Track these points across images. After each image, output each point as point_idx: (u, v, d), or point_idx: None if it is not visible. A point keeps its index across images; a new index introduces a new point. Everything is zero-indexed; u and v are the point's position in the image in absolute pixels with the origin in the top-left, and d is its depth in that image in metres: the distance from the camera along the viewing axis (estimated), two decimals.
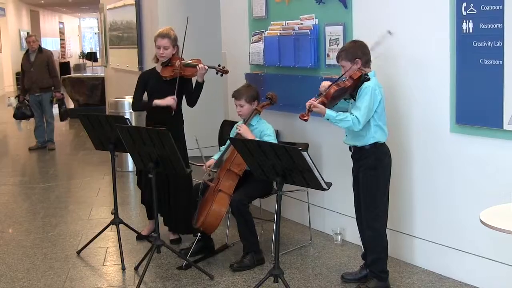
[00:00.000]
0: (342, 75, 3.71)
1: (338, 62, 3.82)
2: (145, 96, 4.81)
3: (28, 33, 22.92)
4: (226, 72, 4.73)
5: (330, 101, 3.65)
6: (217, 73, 4.73)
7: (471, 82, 3.66)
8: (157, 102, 4.60)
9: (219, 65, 4.72)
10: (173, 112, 4.59)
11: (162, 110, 4.62)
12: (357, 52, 3.71)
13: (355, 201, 3.94)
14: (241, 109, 4.47)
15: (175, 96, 4.55)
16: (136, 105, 4.82)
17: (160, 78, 4.64)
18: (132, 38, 9.24)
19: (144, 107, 4.82)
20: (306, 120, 3.63)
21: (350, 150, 3.85)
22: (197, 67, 4.56)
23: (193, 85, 4.75)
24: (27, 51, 9.10)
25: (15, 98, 9.42)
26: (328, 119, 3.63)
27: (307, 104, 3.61)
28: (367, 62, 3.74)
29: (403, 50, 4.10)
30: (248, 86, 4.62)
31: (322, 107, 3.59)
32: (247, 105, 4.45)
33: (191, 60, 4.70)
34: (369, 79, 3.64)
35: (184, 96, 4.76)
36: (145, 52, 8.88)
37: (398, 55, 4.13)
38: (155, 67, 4.80)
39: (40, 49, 9.04)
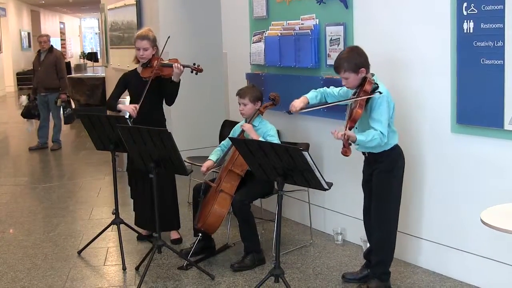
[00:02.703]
0: (357, 95, 3.53)
1: (338, 72, 3.64)
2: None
3: (29, 33, 23.02)
4: (201, 70, 4.75)
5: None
6: (192, 72, 4.74)
7: (471, 82, 3.65)
8: (120, 106, 4.75)
9: (194, 64, 4.74)
10: (131, 120, 4.53)
11: (141, 111, 4.63)
12: (360, 60, 3.58)
13: (365, 202, 3.90)
14: (244, 108, 4.47)
15: (137, 106, 4.60)
16: (110, 103, 4.89)
17: (141, 79, 4.71)
18: (132, 38, 9.19)
19: (112, 109, 4.86)
20: (348, 155, 3.47)
21: (364, 154, 3.78)
22: (173, 67, 4.60)
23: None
24: (39, 51, 9.20)
25: (26, 96, 9.51)
26: (358, 144, 3.56)
27: (340, 137, 3.41)
28: (368, 68, 3.65)
29: (403, 50, 4.10)
30: (253, 87, 4.63)
31: (353, 134, 3.46)
32: (251, 104, 4.45)
33: (169, 60, 4.76)
34: (378, 86, 3.53)
35: (163, 95, 4.79)
36: None
37: (398, 55, 4.13)
38: (136, 68, 4.87)
39: (50, 49, 9.10)
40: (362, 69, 3.59)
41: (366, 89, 3.51)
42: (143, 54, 4.70)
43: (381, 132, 3.50)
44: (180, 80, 4.69)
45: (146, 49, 4.69)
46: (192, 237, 4.67)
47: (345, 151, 3.44)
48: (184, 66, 4.65)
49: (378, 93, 3.50)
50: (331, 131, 3.47)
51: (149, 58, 4.72)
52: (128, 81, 4.82)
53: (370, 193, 3.82)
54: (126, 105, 4.75)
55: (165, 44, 4.75)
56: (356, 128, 3.59)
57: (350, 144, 3.47)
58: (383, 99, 3.53)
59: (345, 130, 3.44)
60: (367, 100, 3.53)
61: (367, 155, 3.77)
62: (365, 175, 3.86)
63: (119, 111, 4.82)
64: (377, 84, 3.55)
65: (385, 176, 3.70)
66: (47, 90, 9.02)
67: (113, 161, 4.54)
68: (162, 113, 4.83)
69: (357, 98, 3.51)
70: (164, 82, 4.72)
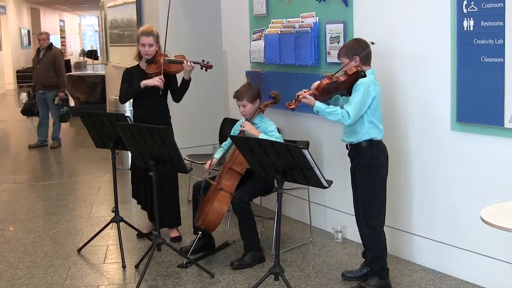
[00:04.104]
0: (339, 70, 3.74)
1: (338, 58, 3.84)
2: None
3: (28, 31, 23.00)
4: (210, 67, 4.78)
5: (321, 94, 3.68)
6: (201, 68, 4.77)
7: (471, 80, 3.65)
8: (145, 82, 4.64)
9: (203, 60, 4.77)
10: (161, 92, 4.62)
11: (147, 107, 4.67)
12: (357, 49, 3.72)
13: (354, 199, 3.95)
14: (244, 109, 4.47)
15: (162, 77, 4.61)
16: (124, 97, 4.86)
17: (145, 75, 4.71)
18: (132, 36, 9.20)
19: (133, 94, 4.79)
20: (292, 110, 3.73)
21: (347, 148, 3.85)
22: (183, 65, 4.64)
23: (177, 81, 4.81)
24: (38, 48, 9.21)
25: (26, 94, 9.52)
26: (317, 112, 3.65)
27: (297, 94, 3.66)
28: (366, 60, 3.73)
29: (403, 48, 4.09)
30: (249, 86, 4.62)
31: (312, 98, 3.63)
32: (250, 104, 4.45)
33: (175, 56, 4.78)
34: (365, 75, 3.65)
35: (169, 92, 4.81)
36: None
37: (398, 52, 4.13)
38: (138, 64, 4.86)
39: (50, 47, 9.10)
40: (356, 57, 3.70)
41: (347, 71, 3.67)
42: (148, 50, 4.69)
43: (347, 112, 3.59)
44: (190, 78, 4.71)
45: (151, 45, 4.70)
46: (191, 235, 4.67)
47: (288, 104, 3.71)
48: (194, 63, 4.67)
49: (361, 75, 3.64)
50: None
51: (153, 55, 4.72)
52: (131, 77, 4.79)
53: (356, 191, 3.88)
54: (152, 79, 4.62)
55: (165, 42, 4.73)
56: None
57: (298, 101, 3.67)
58: (362, 85, 3.62)
59: (305, 93, 3.65)
60: (350, 86, 3.66)
61: (349, 148, 3.83)
62: (351, 172, 3.91)
63: (140, 105, 4.74)
64: (365, 74, 3.66)
65: (367, 171, 3.74)
66: (46, 87, 9.02)
67: (113, 159, 4.53)
68: (167, 109, 4.84)
69: (337, 72, 3.71)
70: (170, 78, 4.72)
